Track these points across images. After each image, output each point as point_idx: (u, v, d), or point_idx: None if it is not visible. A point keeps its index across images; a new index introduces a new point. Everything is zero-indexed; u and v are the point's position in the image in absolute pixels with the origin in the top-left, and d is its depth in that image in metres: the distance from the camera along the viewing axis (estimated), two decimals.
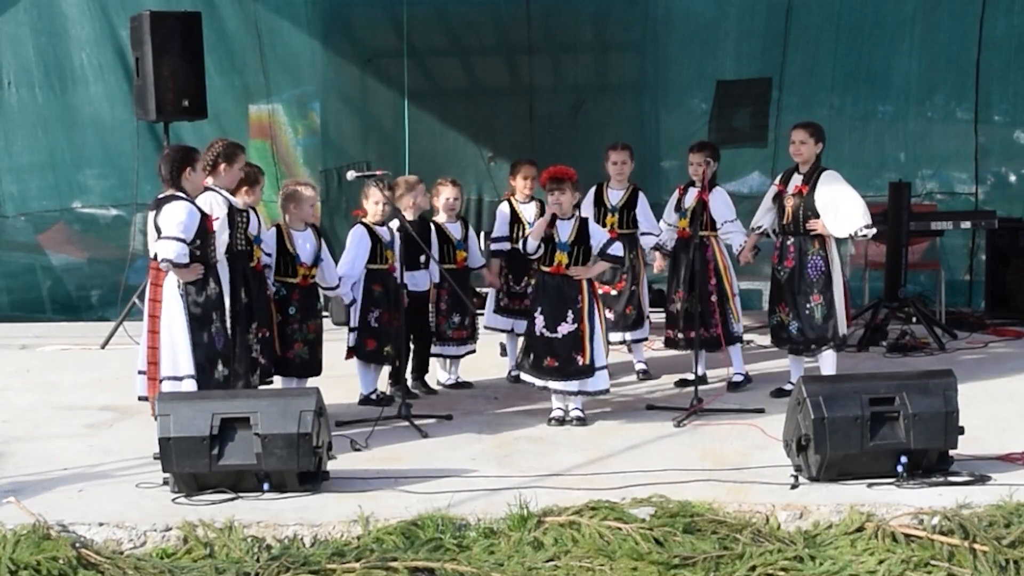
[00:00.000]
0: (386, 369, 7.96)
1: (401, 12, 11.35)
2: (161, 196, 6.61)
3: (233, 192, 7.19)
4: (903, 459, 5.96)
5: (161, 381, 6.52)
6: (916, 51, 11.65)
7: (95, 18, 11.26)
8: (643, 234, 8.41)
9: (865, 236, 7.69)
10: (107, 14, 11.20)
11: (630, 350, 8.73)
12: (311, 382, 7.38)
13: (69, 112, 11.42)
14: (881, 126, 11.94)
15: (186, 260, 6.46)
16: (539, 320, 7.33)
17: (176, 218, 6.45)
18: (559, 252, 7.32)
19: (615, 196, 8.45)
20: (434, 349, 8.28)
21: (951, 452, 6.10)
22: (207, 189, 6.96)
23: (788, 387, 8.06)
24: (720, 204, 8.13)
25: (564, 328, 7.27)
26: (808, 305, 7.72)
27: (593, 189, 8.51)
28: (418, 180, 8.18)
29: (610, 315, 8.34)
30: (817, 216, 7.67)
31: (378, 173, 7.82)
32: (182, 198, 6.56)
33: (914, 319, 9.83)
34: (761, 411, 7.48)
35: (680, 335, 8.18)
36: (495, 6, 11.82)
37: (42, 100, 11.36)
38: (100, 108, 11.41)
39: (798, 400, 6.10)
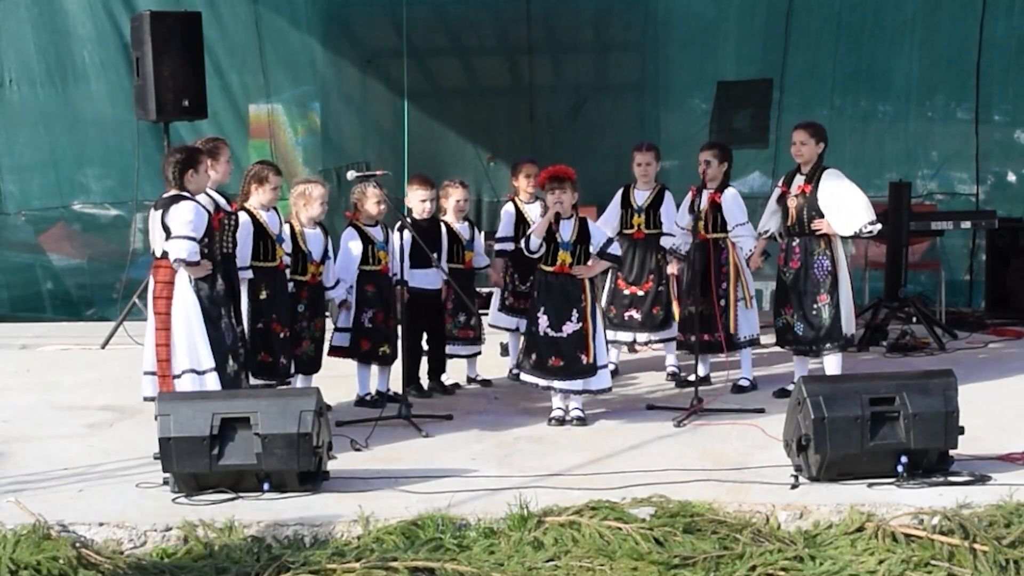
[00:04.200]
0: (394, 369, 7.93)
1: (401, 12, 11.35)
2: (167, 196, 6.65)
3: (247, 191, 7.34)
4: (903, 459, 5.95)
5: (177, 377, 6.50)
6: (916, 52, 11.66)
7: (97, 15, 11.28)
8: (664, 234, 8.32)
9: (871, 233, 7.67)
10: (109, 11, 11.22)
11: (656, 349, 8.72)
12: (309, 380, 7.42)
13: (70, 110, 11.43)
14: (881, 126, 11.95)
15: (197, 258, 6.54)
16: (542, 320, 7.32)
17: (185, 217, 6.51)
18: (562, 251, 7.31)
19: (641, 197, 8.40)
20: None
21: (951, 452, 6.10)
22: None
23: (791, 387, 8.06)
24: (732, 206, 8.05)
25: (569, 327, 7.27)
26: (815, 306, 7.68)
27: (620, 191, 8.51)
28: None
29: (637, 315, 8.35)
30: (821, 216, 7.64)
31: (378, 173, 7.82)
32: (188, 198, 6.61)
33: (914, 319, 9.83)
34: (761, 411, 7.47)
35: (692, 338, 8.04)
36: (495, 6, 11.82)
37: (43, 98, 11.37)
38: (101, 106, 11.42)
39: (798, 400, 6.10)
